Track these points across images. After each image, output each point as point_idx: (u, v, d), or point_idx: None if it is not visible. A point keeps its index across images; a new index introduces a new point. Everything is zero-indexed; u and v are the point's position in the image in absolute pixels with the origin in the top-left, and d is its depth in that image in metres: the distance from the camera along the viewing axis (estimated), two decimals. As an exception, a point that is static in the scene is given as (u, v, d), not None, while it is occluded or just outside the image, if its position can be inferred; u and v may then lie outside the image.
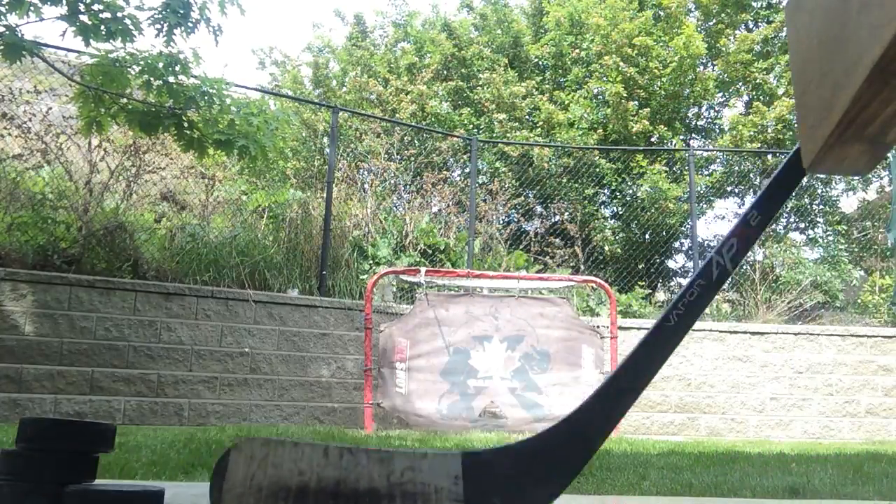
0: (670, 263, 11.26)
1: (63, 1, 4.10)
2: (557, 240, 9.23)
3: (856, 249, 9.71)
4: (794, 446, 5.22)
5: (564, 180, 10.17)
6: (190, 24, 4.37)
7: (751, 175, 11.19)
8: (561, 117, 11.08)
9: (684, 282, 11.30)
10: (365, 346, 5.76)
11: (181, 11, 4.31)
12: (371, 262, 7.17)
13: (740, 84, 11.83)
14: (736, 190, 11.44)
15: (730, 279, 10.33)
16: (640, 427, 6.46)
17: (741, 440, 6.15)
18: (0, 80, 6.24)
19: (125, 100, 4.65)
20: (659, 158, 10.32)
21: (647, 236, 10.56)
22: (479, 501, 0.67)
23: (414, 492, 0.66)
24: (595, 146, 10.62)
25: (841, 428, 6.66)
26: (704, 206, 11.42)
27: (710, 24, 12.48)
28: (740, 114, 11.63)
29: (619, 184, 10.59)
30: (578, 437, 0.71)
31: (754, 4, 12.53)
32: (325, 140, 9.37)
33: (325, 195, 6.87)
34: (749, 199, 11.66)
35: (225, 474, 0.69)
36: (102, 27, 4.16)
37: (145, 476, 2.45)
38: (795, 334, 6.89)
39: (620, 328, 6.48)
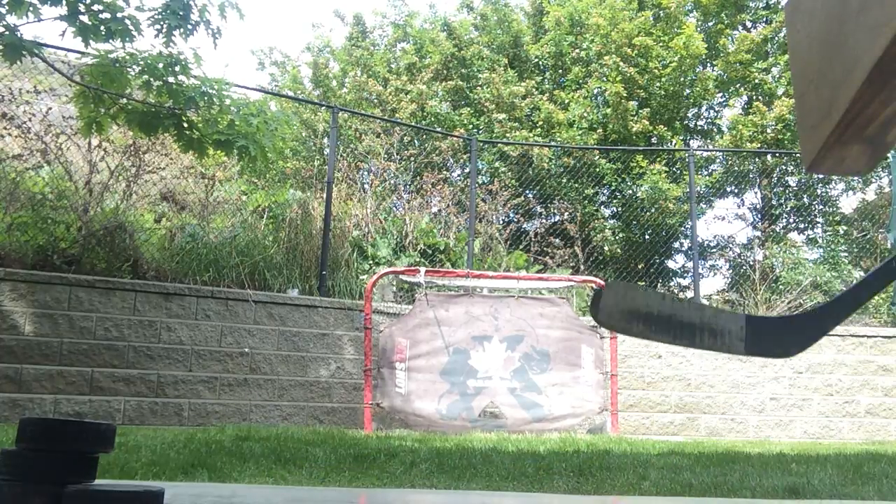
0: (670, 263, 11.27)
1: (63, 1, 4.10)
2: (557, 240, 9.23)
3: (855, 250, 9.71)
4: (794, 446, 5.22)
5: (564, 180, 10.17)
6: (189, 26, 4.38)
7: (750, 175, 11.19)
8: (561, 117, 11.08)
9: (684, 282, 11.32)
10: (365, 347, 5.76)
11: (181, 13, 4.31)
12: (371, 262, 7.18)
13: (739, 85, 11.82)
14: (735, 190, 11.45)
15: (728, 280, 10.31)
16: (640, 427, 6.47)
17: (741, 440, 6.15)
18: (0, 80, 6.24)
19: (125, 100, 4.65)
20: (659, 158, 10.33)
21: (646, 236, 10.56)
22: (753, 341, 0.99)
23: (715, 329, 0.98)
24: (595, 146, 10.62)
25: (841, 428, 6.66)
26: (704, 206, 11.42)
27: (710, 24, 12.48)
28: (740, 114, 11.63)
29: (618, 184, 10.59)
30: (821, 321, 1.01)
31: (752, 5, 12.53)
32: (325, 140, 9.37)
33: (324, 195, 6.87)
34: (749, 199, 11.68)
35: (601, 302, 0.99)
36: (102, 27, 4.16)
37: (145, 476, 2.45)
38: (795, 334, 6.88)
39: (620, 328, 6.47)
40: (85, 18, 4.16)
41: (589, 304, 1.02)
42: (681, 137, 12.03)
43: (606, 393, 6.15)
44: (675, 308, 1.00)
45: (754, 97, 11.82)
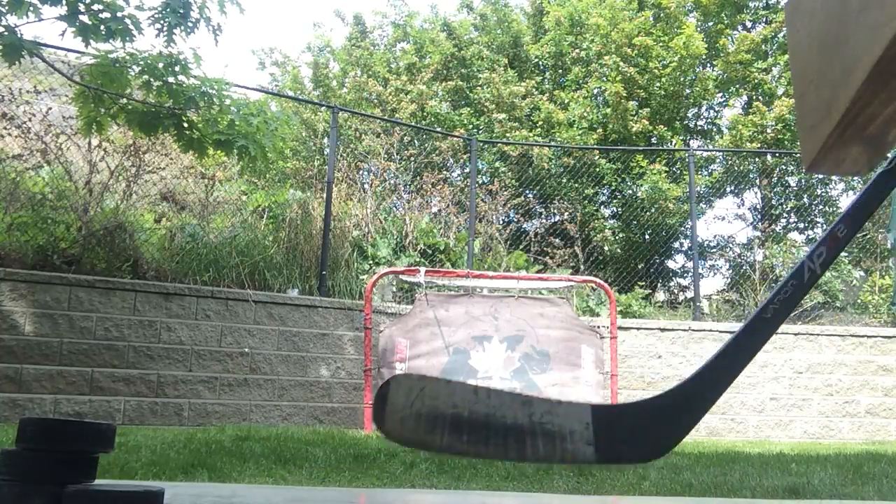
0: (670, 264, 11.27)
1: (63, 1, 4.09)
2: (557, 240, 9.23)
3: (855, 250, 9.71)
4: (793, 446, 5.22)
5: (564, 180, 10.17)
6: (190, 24, 4.37)
7: (750, 175, 11.19)
8: (560, 117, 11.08)
9: (684, 282, 11.32)
10: (365, 347, 5.76)
11: (181, 11, 4.31)
12: (371, 262, 7.17)
13: (739, 85, 11.82)
14: (735, 190, 11.45)
15: (728, 280, 10.30)
16: (639, 427, 6.46)
17: (741, 440, 6.15)
18: (0, 80, 6.24)
19: (125, 100, 4.64)
20: (659, 158, 10.32)
21: (646, 236, 10.56)
22: (605, 445, 0.77)
23: (553, 431, 0.76)
24: (595, 146, 10.62)
25: (841, 428, 6.66)
26: (704, 206, 11.42)
27: (710, 24, 12.48)
28: (740, 114, 11.63)
29: (618, 184, 10.59)
30: (690, 406, 0.81)
31: (752, 5, 12.53)
32: (325, 140, 9.37)
33: (324, 195, 6.87)
34: (749, 199, 11.68)
35: (387, 401, 0.76)
36: (102, 27, 4.16)
37: (145, 476, 2.45)
38: (795, 334, 6.89)
39: (620, 328, 6.48)
40: (85, 18, 4.15)
41: (373, 408, 0.78)
42: (681, 137, 12.03)
43: (606, 393, 6.15)
44: (492, 405, 0.77)
45: (754, 97, 11.82)
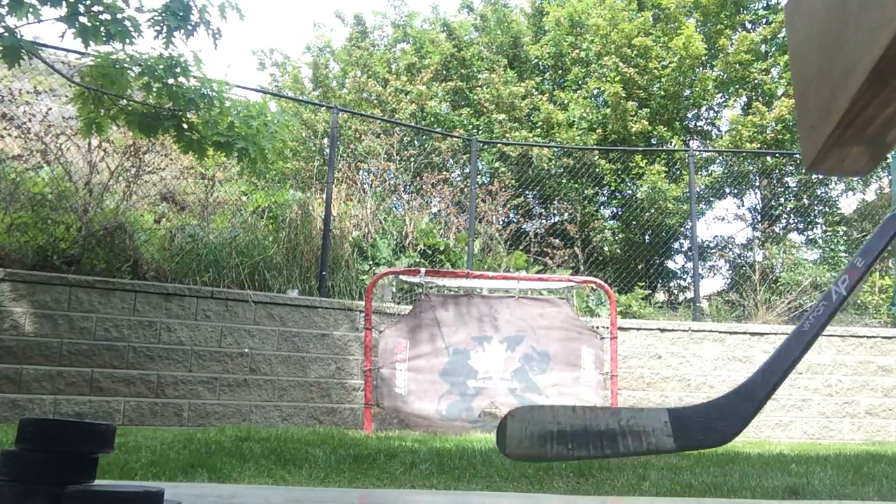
0: (670, 264, 11.27)
1: (63, 2, 4.10)
2: (557, 240, 9.23)
3: (855, 251, 9.70)
4: (793, 447, 5.22)
5: (564, 181, 10.17)
6: (189, 27, 4.37)
7: (750, 175, 11.20)
8: (560, 117, 11.08)
9: (684, 282, 11.32)
10: (364, 347, 5.76)
11: (181, 14, 4.31)
12: (371, 262, 7.18)
13: (739, 85, 11.83)
14: (735, 190, 11.45)
15: (728, 280, 10.29)
16: (639, 427, 6.46)
17: (741, 440, 6.15)
18: (0, 81, 6.24)
19: (125, 101, 4.65)
20: (658, 159, 10.33)
21: (646, 237, 10.56)
22: (682, 435, 0.95)
23: (638, 430, 0.93)
24: (594, 146, 10.62)
25: (841, 428, 6.66)
26: (704, 206, 11.42)
27: (710, 24, 12.49)
28: (739, 114, 11.63)
29: (618, 184, 10.59)
30: (746, 404, 0.98)
31: (752, 6, 12.54)
32: (325, 140, 9.37)
33: (324, 195, 6.87)
34: (748, 200, 11.68)
35: (506, 430, 0.95)
36: (102, 29, 4.16)
37: (145, 476, 2.45)
38: (795, 335, 6.88)
39: (620, 329, 6.48)
40: (84, 20, 4.15)
41: (495, 437, 0.97)
42: (680, 138, 12.03)
43: (606, 393, 6.15)
44: (587, 418, 0.95)
45: (754, 98, 11.82)
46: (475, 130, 11.30)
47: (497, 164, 10.41)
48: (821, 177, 10.13)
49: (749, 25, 12.67)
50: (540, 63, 12.92)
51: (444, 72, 12.55)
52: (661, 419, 0.95)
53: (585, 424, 0.94)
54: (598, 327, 6.35)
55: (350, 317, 6.09)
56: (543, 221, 10.15)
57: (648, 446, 0.93)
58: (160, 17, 4.31)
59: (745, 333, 6.87)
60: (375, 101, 11.92)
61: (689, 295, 9.62)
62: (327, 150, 7.60)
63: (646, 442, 0.92)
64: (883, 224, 1.01)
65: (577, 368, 6.05)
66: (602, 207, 11.06)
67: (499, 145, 10.35)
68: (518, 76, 12.18)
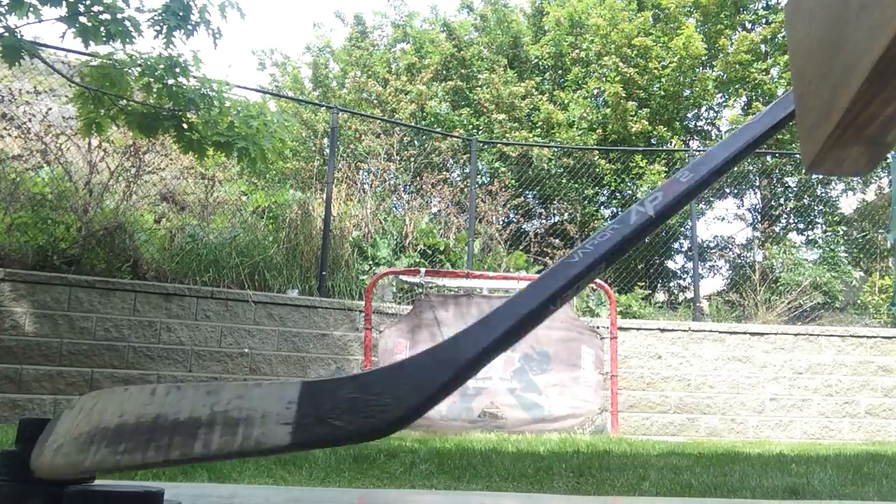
0: (670, 264, 11.27)
1: (63, 2, 4.09)
2: (557, 240, 9.23)
3: (855, 251, 9.71)
4: (793, 447, 5.22)
5: (564, 181, 10.17)
6: (189, 27, 4.37)
7: (750, 175, 11.20)
8: (560, 117, 11.08)
9: (684, 282, 11.32)
10: (364, 347, 5.76)
11: (181, 14, 4.31)
12: (371, 262, 7.18)
13: (738, 85, 11.83)
14: (735, 190, 11.45)
15: (728, 281, 10.29)
16: (639, 428, 6.46)
17: (741, 441, 6.15)
18: (0, 81, 6.24)
19: (125, 101, 4.65)
20: (658, 159, 10.33)
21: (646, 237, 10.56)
22: (310, 424, 0.63)
23: (238, 417, 0.64)
24: (594, 146, 10.62)
25: (841, 428, 6.66)
26: (704, 206, 11.42)
27: (710, 24, 12.49)
28: (739, 114, 11.63)
29: (618, 184, 10.59)
30: (441, 365, 0.67)
31: (752, 6, 12.54)
32: (325, 140, 9.37)
33: (324, 196, 6.87)
34: (748, 200, 11.68)
35: (53, 429, 0.66)
36: (102, 29, 4.16)
37: (145, 476, 2.44)
38: (795, 335, 6.89)
39: (620, 329, 6.48)
40: (85, 20, 4.15)
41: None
42: (680, 138, 12.03)
43: (606, 393, 6.15)
44: (166, 404, 0.66)
45: (754, 98, 11.82)
46: (475, 130, 11.30)
47: (497, 164, 10.41)
48: (821, 177, 10.14)
49: (749, 25, 12.67)
50: (540, 63, 12.92)
51: (444, 72, 12.55)
52: (285, 398, 0.65)
53: (158, 413, 0.65)
54: (598, 327, 6.35)
55: (350, 317, 6.09)
56: (543, 221, 10.16)
57: (244, 443, 0.63)
58: (160, 17, 4.31)
59: (745, 333, 6.87)
60: (375, 101, 11.92)
61: (689, 295, 9.62)
62: (327, 150, 7.60)
63: (243, 436, 0.63)
64: (735, 133, 0.80)
65: (577, 368, 6.05)
66: (602, 207, 11.05)
67: (499, 145, 10.35)
68: (518, 76, 12.18)
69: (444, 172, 9.42)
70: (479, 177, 9.92)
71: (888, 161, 7.17)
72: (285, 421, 0.63)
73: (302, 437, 0.63)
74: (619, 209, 10.91)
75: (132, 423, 0.65)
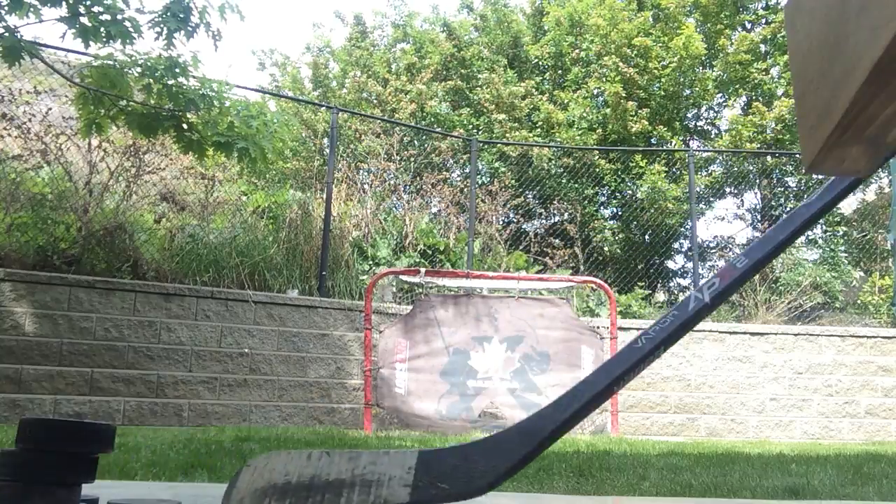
0: (670, 264, 11.27)
1: (63, 2, 4.09)
2: (557, 240, 9.23)
3: (855, 251, 9.71)
4: (793, 447, 5.22)
5: (564, 181, 10.17)
6: (189, 29, 4.37)
7: (750, 175, 11.20)
8: (560, 117, 11.09)
9: (684, 282, 11.33)
10: (364, 347, 5.76)
11: (181, 16, 4.31)
12: (371, 262, 7.18)
13: (738, 85, 11.83)
14: (735, 190, 11.45)
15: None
16: (639, 427, 6.46)
17: (741, 441, 6.15)
18: (0, 81, 6.24)
19: (125, 102, 4.64)
20: (658, 159, 10.33)
21: (646, 237, 10.56)
22: (425, 486, 0.80)
23: (371, 480, 0.81)
24: (594, 146, 10.62)
25: (841, 428, 6.66)
26: (704, 206, 11.42)
27: (710, 24, 12.49)
28: (739, 114, 11.63)
29: (618, 184, 10.59)
30: (525, 438, 0.81)
31: (751, 6, 12.54)
32: (325, 140, 9.37)
33: (324, 196, 6.87)
34: (748, 200, 11.68)
35: (235, 484, 0.85)
36: (102, 29, 4.16)
37: (145, 476, 2.44)
38: (795, 335, 6.89)
39: (620, 329, 6.48)
40: (85, 20, 4.15)
41: (224, 493, 0.87)
42: (680, 138, 12.03)
43: (606, 393, 6.14)
44: (320, 466, 0.84)
45: (754, 97, 11.82)
46: (475, 130, 11.30)
47: (497, 164, 10.41)
48: (821, 177, 10.11)
49: (749, 25, 12.67)
50: (540, 63, 12.92)
51: (444, 72, 12.55)
52: (406, 464, 0.82)
53: (314, 474, 0.83)
54: (598, 327, 6.35)
55: (350, 317, 6.09)
56: (543, 221, 10.16)
57: (376, 500, 0.80)
58: (161, 19, 4.31)
59: (745, 333, 6.87)
60: (375, 101, 11.92)
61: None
62: (327, 150, 7.60)
63: (374, 495, 0.80)
64: (791, 214, 0.85)
65: (577, 368, 6.04)
66: (602, 207, 11.06)
67: (499, 145, 10.35)
68: (518, 76, 12.18)
69: (444, 172, 9.43)
70: (479, 177, 9.92)
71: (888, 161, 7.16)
72: (406, 483, 0.81)
73: (418, 497, 0.80)
74: (619, 209, 10.92)
75: (295, 482, 0.83)
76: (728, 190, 11.38)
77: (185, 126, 4.66)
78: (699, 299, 0.86)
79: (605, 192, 10.96)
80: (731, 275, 0.86)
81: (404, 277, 6.36)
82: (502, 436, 0.83)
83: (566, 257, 9.02)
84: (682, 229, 10.50)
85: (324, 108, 10.45)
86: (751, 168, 11.05)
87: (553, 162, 10.31)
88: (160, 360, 5.31)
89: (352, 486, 0.81)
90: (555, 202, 10.03)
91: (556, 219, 10.26)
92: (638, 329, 6.74)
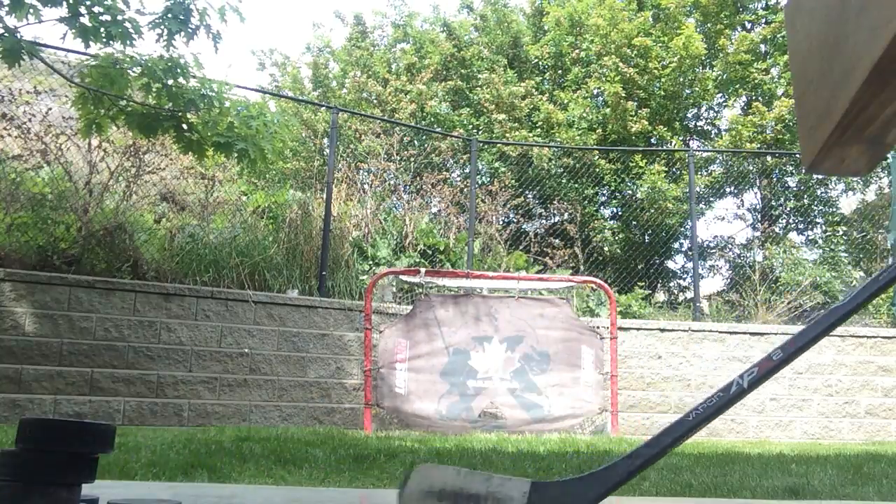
0: (670, 264, 11.27)
1: (63, 3, 4.09)
2: (557, 240, 9.23)
3: (855, 251, 9.71)
4: (793, 447, 5.22)
5: (564, 181, 10.17)
6: (190, 30, 4.37)
7: (750, 175, 11.20)
8: (560, 117, 11.09)
9: (684, 282, 11.33)
10: (364, 347, 5.76)
11: (181, 17, 4.31)
12: (371, 262, 7.18)
13: (738, 85, 11.83)
14: (735, 190, 11.45)
15: (728, 280, 10.30)
16: (640, 427, 6.46)
17: (741, 441, 6.15)
18: (0, 81, 6.24)
19: (125, 102, 4.64)
20: (658, 159, 10.33)
21: (646, 237, 10.57)
22: None
23: (499, 497, 1.05)
24: (594, 146, 10.62)
25: (841, 428, 6.66)
26: (704, 206, 11.42)
27: (710, 24, 12.49)
28: (739, 114, 11.64)
29: (618, 184, 10.59)
30: (596, 484, 1.05)
31: (752, 6, 12.54)
32: (325, 140, 9.37)
33: (324, 196, 6.87)
34: (748, 200, 11.68)
35: (408, 482, 1.09)
36: (102, 30, 4.16)
37: (145, 476, 2.44)
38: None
39: (620, 329, 6.48)
40: (85, 20, 4.15)
41: (400, 484, 1.11)
42: (680, 138, 12.03)
43: (606, 394, 6.15)
44: (464, 481, 1.08)
45: (754, 97, 11.82)
46: (475, 130, 11.30)
47: (497, 164, 10.41)
48: (821, 177, 10.14)
49: (749, 25, 12.67)
50: (540, 63, 12.92)
51: (444, 72, 12.55)
52: (522, 489, 1.05)
53: (461, 486, 1.07)
54: (598, 327, 6.35)
55: (350, 317, 6.09)
56: (543, 221, 10.16)
57: None
58: (161, 20, 4.30)
59: (745, 333, 6.87)
60: (375, 101, 11.92)
61: (689, 295, 9.62)
62: (327, 150, 7.61)
63: None
64: (829, 310, 1.01)
65: (577, 368, 6.04)
66: (602, 207, 11.06)
67: (499, 145, 10.35)
68: (518, 76, 12.18)
69: (444, 172, 9.43)
70: (479, 177, 9.92)
71: (888, 161, 7.16)
72: (522, 502, 1.05)
73: None
74: (619, 209, 10.92)
75: (448, 489, 1.07)
76: (728, 190, 11.38)
77: (184, 126, 4.66)
78: (739, 384, 1.04)
79: (605, 192, 10.96)
80: (767, 366, 1.03)
81: (404, 277, 6.36)
82: (587, 479, 1.06)
83: (566, 257, 9.02)
84: (682, 229, 10.51)
85: (324, 108, 10.45)
86: (751, 168, 11.05)
87: (553, 162, 10.31)
88: (160, 360, 5.31)
89: (486, 499, 1.05)
90: (555, 202, 10.03)
91: (556, 219, 10.26)
92: (638, 329, 6.74)
